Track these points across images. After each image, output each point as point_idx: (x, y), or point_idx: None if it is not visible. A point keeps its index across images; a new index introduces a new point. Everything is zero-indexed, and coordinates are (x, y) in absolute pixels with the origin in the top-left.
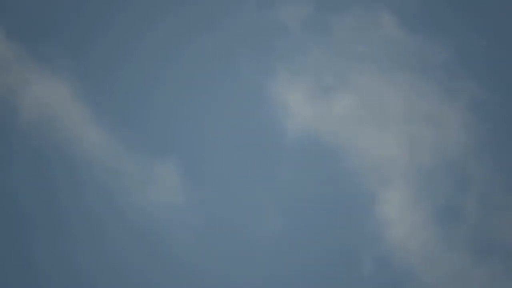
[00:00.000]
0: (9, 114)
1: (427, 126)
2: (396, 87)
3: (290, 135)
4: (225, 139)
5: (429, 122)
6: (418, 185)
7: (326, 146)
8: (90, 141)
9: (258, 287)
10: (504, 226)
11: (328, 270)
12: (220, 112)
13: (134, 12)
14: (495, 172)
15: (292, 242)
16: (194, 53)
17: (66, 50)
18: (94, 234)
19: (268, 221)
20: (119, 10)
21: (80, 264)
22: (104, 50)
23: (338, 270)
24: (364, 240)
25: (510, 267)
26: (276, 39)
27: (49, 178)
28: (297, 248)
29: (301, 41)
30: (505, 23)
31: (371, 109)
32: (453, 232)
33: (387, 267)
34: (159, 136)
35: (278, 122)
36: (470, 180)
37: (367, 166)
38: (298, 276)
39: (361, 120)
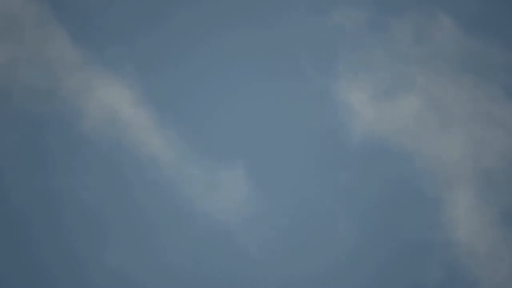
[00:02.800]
0: (75, 117)
1: (491, 127)
2: (458, 89)
3: (354, 138)
4: (290, 143)
5: (493, 124)
6: (484, 187)
7: (390, 149)
8: (156, 145)
9: None
10: None
11: (396, 273)
12: (284, 116)
13: (199, 15)
14: None
15: (359, 246)
16: (259, 56)
17: (132, 53)
18: (157, 239)
19: (335, 226)
20: (185, 13)
21: (146, 266)
22: (170, 53)
23: (405, 273)
24: (430, 242)
25: None
26: (338, 41)
27: (114, 182)
28: (365, 253)
29: (362, 44)
30: None
31: (434, 111)
32: None
33: (454, 269)
34: (225, 140)
35: (342, 125)
36: None
37: (432, 168)
38: (367, 281)
39: (425, 122)
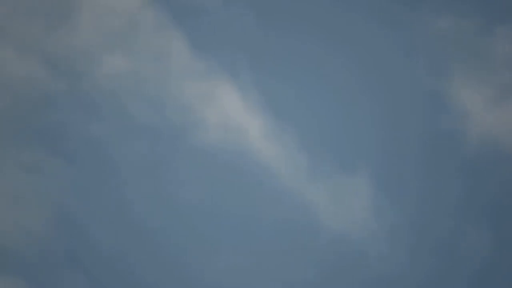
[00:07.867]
0: (194, 126)
1: None
2: None
3: (470, 143)
4: (408, 149)
5: None
6: None
7: (508, 154)
8: (274, 154)
9: None
10: None
11: None
12: (401, 122)
13: (318, 19)
14: None
15: (488, 261)
16: (371, 61)
17: (251, 60)
18: (278, 251)
19: (460, 238)
20: (306, 16)
21: (268, 277)
22: (290, 62)
23: None
24: None
25: None
26: (452, 45)
27: (233, 191)
28: (494, 267)
29: (475, 46)
30: None
31: None
32: None
33: None
34: (345, 147)
35: (457, 129)
36: None
37: None
38: None
39: None
